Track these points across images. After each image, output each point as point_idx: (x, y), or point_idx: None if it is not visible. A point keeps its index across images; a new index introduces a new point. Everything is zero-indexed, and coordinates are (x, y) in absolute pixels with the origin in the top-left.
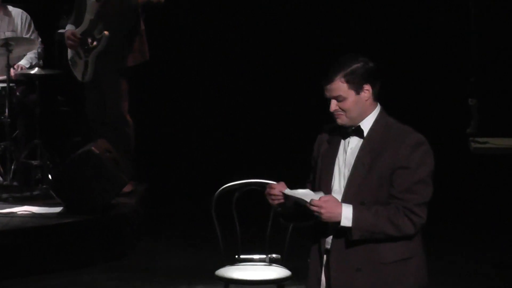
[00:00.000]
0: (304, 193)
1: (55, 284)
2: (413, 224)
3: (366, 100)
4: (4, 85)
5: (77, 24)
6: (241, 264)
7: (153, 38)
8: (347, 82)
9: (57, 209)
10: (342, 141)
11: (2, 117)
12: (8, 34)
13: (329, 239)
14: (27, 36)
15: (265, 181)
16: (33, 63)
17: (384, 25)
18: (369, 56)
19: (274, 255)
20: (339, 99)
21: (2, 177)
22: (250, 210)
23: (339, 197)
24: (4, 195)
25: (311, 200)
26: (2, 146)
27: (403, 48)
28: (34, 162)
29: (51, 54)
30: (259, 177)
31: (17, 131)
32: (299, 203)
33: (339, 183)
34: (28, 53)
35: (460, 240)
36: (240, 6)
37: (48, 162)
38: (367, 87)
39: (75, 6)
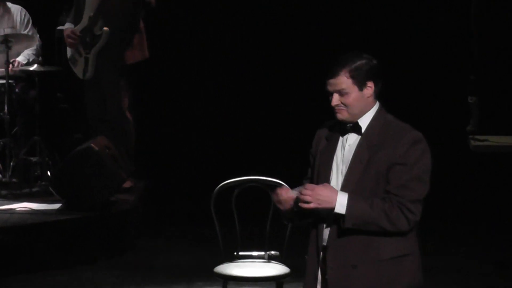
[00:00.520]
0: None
1: (54, 281)
2: (407, 220)
3: (368, 97)
4: (4, 81)
5: (76, 21)
6: (240, 261)
7: (154, 36)
8: (352, 77)
9: (56, 206)
10: (340, 137)
11: (2, 114)
12: (8, 30)
13: (326, 235)
14: (26, 32)
15: (265, 178)
16: (31, 60)
17: (385, 23)
18: (369, 55)
19: (273, 252)
20: (342, 93)
21: (1, 173)
22: (249, 207)
23: None
24: (4, 192)
25: (305, 185)
26: (2, 143)
27: (403, 47)
28: (34, 159)
29: (50, 51)
30: (258, 174)
31: (16, 128)
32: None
33: (336, 180)
34: (26, 50)
35: (460, 239)
36: (240, 5)
37: (47, 159)
38: (370, 84)
39: (74, 3)
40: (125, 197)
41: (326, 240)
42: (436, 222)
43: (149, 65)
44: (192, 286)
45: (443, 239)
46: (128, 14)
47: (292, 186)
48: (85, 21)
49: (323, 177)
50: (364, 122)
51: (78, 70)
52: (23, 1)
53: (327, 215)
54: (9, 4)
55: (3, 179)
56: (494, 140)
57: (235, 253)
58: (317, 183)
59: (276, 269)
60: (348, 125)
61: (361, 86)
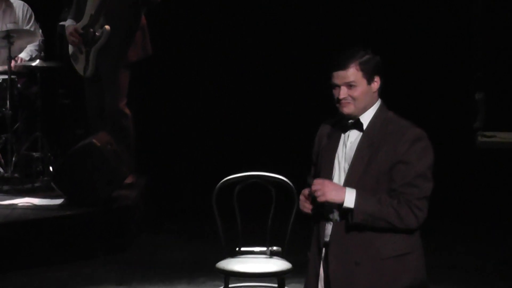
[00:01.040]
0: None
1: (56, 276)
2: (416, 217)
3: (374, 92)
4: (6, 77)
5: (77, 18)
6: (241, 256)
7: (156, 32)
8: (361, 70)
9: (58, 201)
10: (342, 135)
11: (4, 109)
12: (10, 26)
13: (329, 232)
14: (28, 28)
15: (267, 174)
16: (34, 56)
17: (390, 19)
18: (376, 49)
19: (275, 248)
20: (350, 86)
21: (3, 169)
22: (251, 203)
23: None
24: (5, 187)
25: (314, 181)
26: (3, 138)
27: (409, 43)
28: (35, 154)
29: (52, 47)
30: (260, 170)
31: (18, 123)
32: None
33: (338, 177)
34: (28, 46)
35: (466, 236)
36: (242, 2)
37: (49, 154)
38: (376, 78)
39: (74, 1)
40: (127, 193)
41: (328, 236)
42: (442, 219)
43: (150, 62)
44: (194, 281)
45: (449, 235)
46: (129, 12)
47: (293, 182)
48: (86, 18)
49: (325, 175)
50: (365, 118)
51: (79, 67)
52: None
53: (332, 210)
54: (12, 0)
55: (5, 174)
56: (502, 136)
57: (237, 249)
58: None
59: (277, 264)
60: (349, 121)
61: (369, 80)
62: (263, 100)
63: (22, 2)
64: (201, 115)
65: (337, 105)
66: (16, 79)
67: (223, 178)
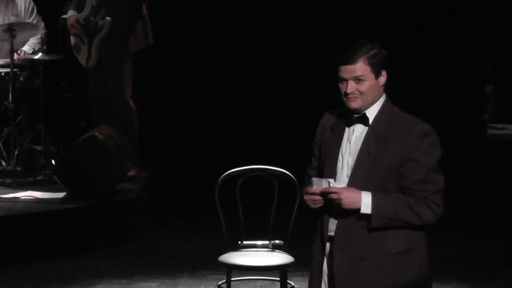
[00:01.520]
0: (317, 182)
1: (59, 269)
2: (433, 212)
3: (380, 87)
4: (8, 70)
5: (79, 9)
6: (244, 250)
7: (159, 23)
8: (370, 64)
9: (61, 195)
10: (346, 128)
11: (6, 103)
12: (12, 19)
13: (333, 226)
14: (30, 21)
15: (269, 167)
16: (36, 49)
17: (401, 11)
18: (385, 43)
19: (277, 241)
20: (359, 79)
21: (5, 162)
22: (254, 196)
23: (343, 186)
24: (8, 180)
25: (331, 187)
26: (6, 131)
27: (419, 36)
28: (38, 148)
29: (55, 40)
30: (263, 163)
31: (20, 116)
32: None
33: (341, 172)
34: (31, 39)
35: (476, 228)
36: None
37: (51, 148)
38: (383, 73)
39: None
40: (129, 186)
41: (332, 231)
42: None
43: (153, 53)
44: (196, 274)
45: (456, 228)
46: (130, 2)
47: (296, 176)
48: (88, 9)
49: (329, 169)
50: (371, 113)
51: (81, 58)
52: None
53: (337, 206)
54: None
55: (8, 168)
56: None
57: (239, 242)
58: (323, 175)
59: (280, 258)
60: (354, 116)
61: (377, 74)
62: (266, 93)
63: None
64: (204, 108)
65: (344, 99)
66: (19, 72)
67: (225, 171)
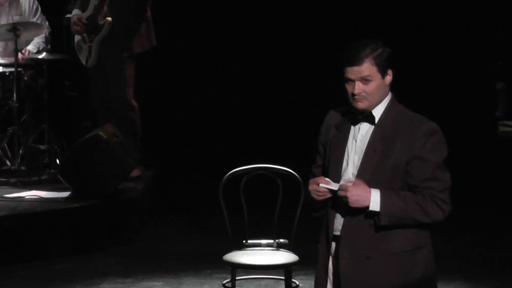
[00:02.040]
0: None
1: (62, 268)
2: (442, 210)
3: (386, 86)
4: (12, 69)
5: (83, 9)
6: (248, 249)
7: (162, 23)
8: (376, 64)
9: (65, 194)
10: (352, 127)
11: (10, 102)
12: (16, 18)
13: (339, 225)
14: (34, 20)
15: (273, 166)
16: (41, 48)
17: (412, 9)
18: (395, 40)
19: (281, 240)
20: (366, 80)
21: (10, 161)
22: (258, 195)
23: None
24: (12, 180)
25: (340, 184)
26: (10, 131)
27: (430, 34)
28: (42, 147)
29: (59, 39)
30: (267, 162)
31: (25, 116)
32: (331, 192)
33: (346, 170)
34: (35, 38)
35: (487, 225)
36: None
37: (55, 147)
38: (389, 72)
39: None
40: (133, 185)
41: (338, 230)
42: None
43: (156, 54)
44: (200, 274)
45: (466, 226)
46: (133, 3)
47: (300, 174)
48: (91, 9)
49: (334, 167)
50: (377, 112)
51: (82, 57)
52: None
53: (344, 205)
54: None
55: (12, 167)
56: None
57: (244, 241)
58: (328, 174)
59: (284, 257)
60: (360, 114)
61: (383, 73)
62: (270, 92)
63: None
64: (207, 107)
65: (351, 99)
66: (23, 72)
67: (230, 170)
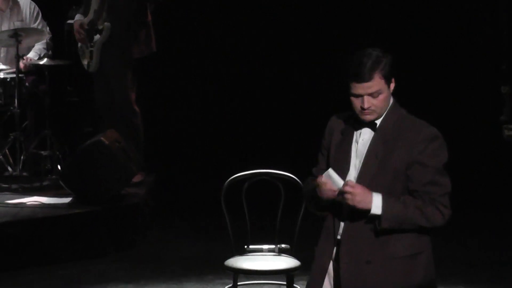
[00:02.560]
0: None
1: (65, 274)
2: (442, 215)
3: (391, 93)
4: (14, 75)
5: (86, 14)
6: (250, 254)
7: (163, 28)
8: (384, 77)
9: (67, 200)
10: (354, 132)
11: (12, 108)
12: (17, 24)
13: (340, 229)
14: (35, 26)
15: (275, 171)
16: (42, 54)
17: (414, 11)
18: (398, 43)
19: (283, 245)
20: (375, 95)
21: (11, 167)
22: (260, 200)
23: None
24: (14, 186)
25: (347, 181)
26: (12, 137)
27: (435, 37)
28: (44, 153)
29: (60, 45)
30: (268, 167)
31: (26, 122)
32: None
33: (350, 174)
34: (36, 45)
35: (490, 228)
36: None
37: (57, 153)
38: (393, 80)
39: None
40: (135, 191)
41: (339, 234)
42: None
43: (157, 59)
44: (202, 279)
45: (472, 229)
46: (133, 8)
47: (302, 180)
48: (91, 14)
49: (340, 173)
50: (379, 117)
51: (84, 62)
52: None
53: (344, 209)
54: None
55: (14, 173)
56: None
57: (246, 246)
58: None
59: (286, 262)
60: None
61: (389, 84)
62: (272, 97)
63: (29, 0)
64: (209, 113)
65: (359, 113)
66: (24, 77)
67: (231, 175)
